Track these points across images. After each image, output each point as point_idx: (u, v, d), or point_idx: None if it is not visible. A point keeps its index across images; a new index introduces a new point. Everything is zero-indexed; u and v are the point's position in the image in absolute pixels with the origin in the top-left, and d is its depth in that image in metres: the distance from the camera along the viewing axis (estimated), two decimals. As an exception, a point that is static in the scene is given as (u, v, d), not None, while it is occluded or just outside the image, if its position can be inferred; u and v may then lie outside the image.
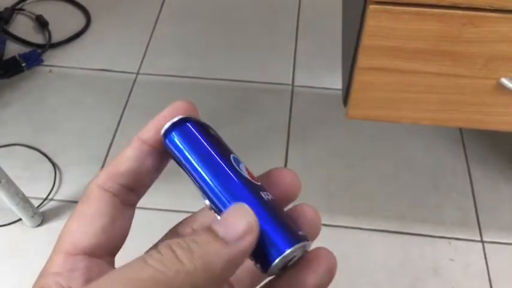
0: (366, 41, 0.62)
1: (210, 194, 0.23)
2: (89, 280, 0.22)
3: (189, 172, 0.23)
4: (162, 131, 0.24)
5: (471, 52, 0.62)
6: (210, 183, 0.23)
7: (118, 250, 0.24)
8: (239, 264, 0.20)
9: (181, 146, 0.23)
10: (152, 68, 1.22)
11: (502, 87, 0.64)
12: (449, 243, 0.96)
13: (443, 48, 0.62)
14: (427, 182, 1.04)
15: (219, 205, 0.23)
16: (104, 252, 0.23)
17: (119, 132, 1.10)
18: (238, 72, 1.19)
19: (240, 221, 0.20)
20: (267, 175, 0.25)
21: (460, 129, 1.12)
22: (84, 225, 0.23)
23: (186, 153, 0.23)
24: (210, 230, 0.20)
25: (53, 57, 1.24)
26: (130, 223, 0.24)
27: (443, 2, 0.57)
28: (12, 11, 1.31)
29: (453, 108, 0.69)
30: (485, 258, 0.94)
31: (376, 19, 0.59)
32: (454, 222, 0.98)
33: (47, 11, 1.31)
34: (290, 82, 1.19)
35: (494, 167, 1.06)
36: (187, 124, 0.24)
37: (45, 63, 1.22)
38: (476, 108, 0.69)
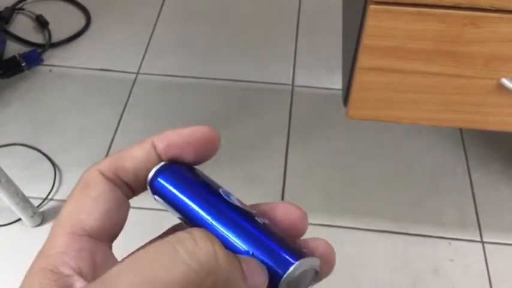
0: (366, 41, 0.62)
1: (205, 227, 0.22)
2: (94, 263, 0.21)
3: (181, 211, 0.23)
4: (149, 178, 0.23)
5: (472, 52, 0.62)
6: (204, 216, 0.22)
7: (116, 238, 0.23)
8: None
9: (170, 188, 0.23)
10: (152, 68, 1.22)
11: (502, 88, 0.64)
12: (449, 243, 0.96)
13: (444, 48, 0.62)
14: (427, 182, 1.03)
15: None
16: (106, 236, 0.23)
17: (119, 132, 1.10)
18: (239, 72, 1.19)
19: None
20: (273, 207, 0.24)
21: (460, 130, 1.12)
22: (89, 207, 0.22)
23: (176, 193, 0.23)
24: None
25: (53, 57, 1.24)
26: (127, 214, 0.24)
27: (444, 2, 0.57)
28: (12, 10, 1.31)
29: (453, 108, 0.69)
30: (485, 258, 0.94)
31: (377, 19, 0.59)
32: (454, 222, 0.98)
33: (47, 11, 1.31)
34: (290, 82, 1.19)
35: (494, 167, 1.06)
36: (174, 166, 0.24)
37: (45, 63, 1.22)
38: (476, 108, 0.69)
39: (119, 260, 0.22)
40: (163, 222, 0.25)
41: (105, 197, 0.23)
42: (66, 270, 0.20)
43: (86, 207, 0.22)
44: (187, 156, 0.24)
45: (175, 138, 0.23)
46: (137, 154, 0.24)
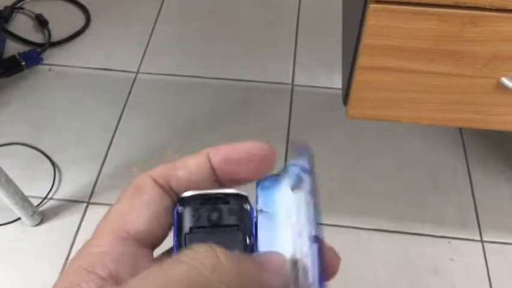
0: (366, 40, 0.62)
1: None
2: (135, 268, 0.21)
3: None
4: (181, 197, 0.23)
5: (472, 52, 0.62)
6: None
7: (158, 246, 0.23)
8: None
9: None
10: (152, 67, 1.22)
11: (502, 87, 0.64)
12: (449, 242, 0.96)
13: (444, 47, 0.61)
14: (427, 181, 1.03)
15: None
16: (150, 243, 0.22)
17: (118, 131, 1.10)
18: (238, 72, 1.19)
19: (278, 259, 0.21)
20: None
21: (460, 129, 1.12)
22: (140, 209, 0.22)
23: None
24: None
25: (52, 56, 1.24)
26: (171, 227, 0.23)
27: (444, 1, 0.57)
28: (12, 9, 1.31)
29: (453, 107, 0.69)
30: (485, 257, 0.94)
31: (377, 18, 0.59)
32: (453, 221, 0.98)
33: (47, 10, 1.31)
34: (290, 82, 1.19)
35: (494, 166, 1.06)
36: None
37: (44, 62, 1.22)
38: (476, 107, 0.69)
39: None
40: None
41: (156, 201, 0.22)
42: (102, 272, 0.20)
43: (137, 209, 0.22)
44: (243, 173, 0.23)
45: (233, 153, 0.23)
46: (191, 165, 0.23)
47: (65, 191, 1.01)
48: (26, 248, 0.94)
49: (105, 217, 0.22)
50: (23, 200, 0.90)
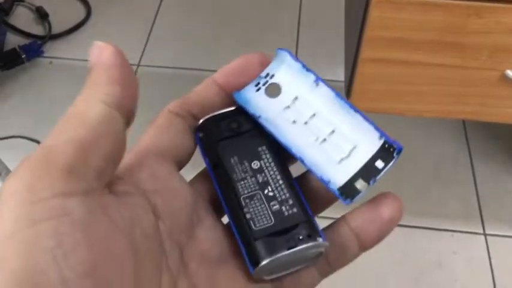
0: (369, 32, 0.61)
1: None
2: (153, 176, 0.23)
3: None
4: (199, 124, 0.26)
5: (476, 43, 0.61)
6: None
7: (182, 165, 0.25)
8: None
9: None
10: (153, 59, 1.21)
11: (506, 79, 0.64)
12: (452, 235, 0.95)
13: (448, 39, 0.61)
14: (430, 174, 1.03)
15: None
16: (169, 158, 0.24)
17: (119, 124, 1.09)
18: (240, 64, 1.19)
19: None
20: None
21: (463, 122, 1.11)
22: (152, 132, 0.25)
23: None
24: None
25: (53, 49, 1.23)
26: (193, 148, 0.26)
27: (448, -8, 0.56)
28: (12, 2, 1.30)
29: (457, 100, 0.69)
30: (488, 250, 0.93)
31: (380, 10, 0.59)
32: (456, 214, 0.98)
33: (47, 3, 1.30)
34: (292, 74, 1.18)
35: (497, 159, 1.06)
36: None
37: (45, 54, 1.22)
38: (480, 100, 0.68)
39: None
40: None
41: (168, 124, 0.25)
42: (126, 177, 0.23)
43: (153, 133, 0.25)
44: (245, 79, 0.26)
45: (232, 66, 0.27)
46: (199, 90, 0.26)
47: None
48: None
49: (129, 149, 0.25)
50: (24, 193, 0.90)
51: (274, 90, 0.27)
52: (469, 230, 0.96)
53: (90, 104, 0.21)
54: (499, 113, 0.71)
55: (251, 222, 0.23)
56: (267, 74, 0.27)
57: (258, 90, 0.26)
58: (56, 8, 1.30)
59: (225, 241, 0.24)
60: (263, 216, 0.23)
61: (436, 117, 0.77)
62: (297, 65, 0.27)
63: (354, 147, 0.25)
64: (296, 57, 0.27)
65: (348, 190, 0.24)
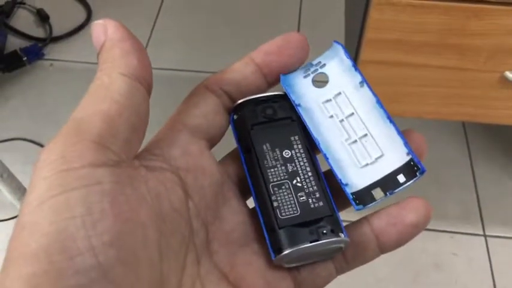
0: (369, 34, 0.61)
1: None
2: (186, 152, 0.23)
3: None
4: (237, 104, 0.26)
5: (475, 45, 0.61)
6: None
7: (214, 143, 0.25)
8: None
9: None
10: (153, 61, 1.19)
11: (506, 81, 0.64)
12: (452, 237, 0.95)
13: (448, 41, 0.61)
14: (430, 175, 1.02)
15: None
16: (203, 135, 0.24)
17: (120, 126, 1.10)
18: (240, 66, 1.19)
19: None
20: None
21: (463, 123, 1.11)
22: (191, 109, 0.25)
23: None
24: None
25: (54, 51, 1.23)
26: (225, 127, 0.26)
27: (447, -6, 0.56)
28: (13, 4, 1.31)
29: (457, 102, 0.69)
30: (488, 252, 0.94)
31: (380, 12, 0.59)
32: (456, 216, 0.98)
33: (48, 5, 1.31)
34: (292, 76, 1.18)
35: (497, 160, 1.06)
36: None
37: (46, 57, 1.22)
38: (480, 102, 0.69)
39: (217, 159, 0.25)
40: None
41: (204, 102, 0.25)
42: (158, 151, 0.23)
43: (188, 108, 0.25)
44: (284, 58, 0.26)
45: (270, 45, 0.26)
46: (236, 67, 0.26)
47: (67, 186, 1.01)
48: (29, 243, 0.94)
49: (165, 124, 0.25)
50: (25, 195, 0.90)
51: (321, 80, 0.27)
52: (469, 232, 0.96)
53: (112, 77, 0.22)
54: (499, 115, 0.71)
55: (277, 210, 0.23)
56: (319, 62, 0.27)
57: (306, 76, 0.26)
58: (57, 11, 1.30)
59: (249, 224, 0.24)
60: (290, 206, 0.24)
61: (435, 118, 0.77)
62: (348, 62, 0.26)
63: (381, 156, 0.25)
64: (349, 54, 0.27)
65: (363, 196, 0.24)
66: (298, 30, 1.27)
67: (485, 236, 0.95)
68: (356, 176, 0.25)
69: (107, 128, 0.20)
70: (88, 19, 1.29)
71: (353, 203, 0.24)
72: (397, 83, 0.67)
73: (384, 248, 0.25)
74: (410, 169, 0.25)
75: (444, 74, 0.65)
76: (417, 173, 0.25)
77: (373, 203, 0.24)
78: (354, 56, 0.67)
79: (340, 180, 0.24)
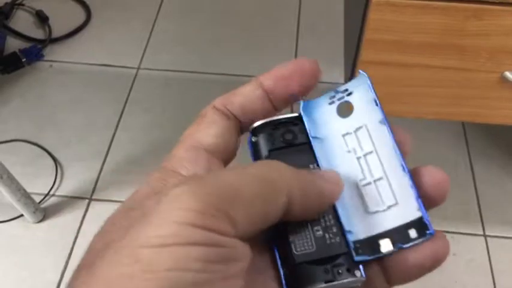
0: (368, 35, 0.61)
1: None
2: (209, 170, 0.24)
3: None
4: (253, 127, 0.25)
5: (475, 45, 0.61)
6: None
7: (229, 161, 0.26)
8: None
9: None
10: (153, 63, 1.21)
11: (506, 81, 0.64)
12: (452, 237, 0.95)
13: (447, 41, 0.61)
14: (430, 176, 1.03)
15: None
16: (220, 154, 0.25)
17: (119, 127, 1.10)
18: (240, 67, 1.19)
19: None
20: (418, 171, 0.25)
21: (463, 124, 1.11)
22: (205, 128, 0.25)
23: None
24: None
25: (53, 53, 1.23)
26: (238, 143, 0.26)
27: (447, -6, 0.56)
28: (12, 6, 1.31)
29: (457, 102, 0.69)
30: (488, 252, 0.94)
31: (380, 12, 0.59)
32: (456, 216, 0.98)
33: (47, 6, 1.31)
34: (291, 76, 1.18)
35: (497, 161, 1.06)
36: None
37: (45, 58, 1.22)
38: (480, 102, 0.69)
39: None
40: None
41: (217, 122, 0.25)
42: (184, 172, 0.24)
43: (202, 128, 0.25)
44: (294, 86, 0.26)
45: (281, 70, 0.26)
46: (244, 91, 0.26)
47: (67, 187, 1.01)
48: (29, 244, 0.94)
49: (179, 140, 0.26)
50: (25, 196, 0.90)
51: (344, 110, 0.25)
52: (469, 232, 0.96)
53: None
54: (499, 115, 0.71)
55: (292, 245, 0.22)
56: (345, 90, 0.26)
57: (331, 103, 0.25)
58: (56, 12, 1.30)
59: (264, 252, 0.24)
60: (305, 241, 0.22)
61: (435, 119, 0.77)
62: (372, 95, 0.25)
63: (395, 204, 0.23)
64: (373, 87, 0.25)
65: (367, 246, 0.23)
66: (298, 31, 1.27)
67: (485, 236, 0.95)
68: (362, 223, 0.23)
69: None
70: (87, 21, 1.29)
71: (353, 252, 0.22)
72: (396, 84, 0.67)
73: (392, 283, 0.24)
74: (420, 226, 0.23)
75: (444, 75, 0.65)
76: (426, 232, 0.23)
77: (378, 256, 0.22)
78: (354, 56, 0.67)
79: (343, 226, 0.23)
